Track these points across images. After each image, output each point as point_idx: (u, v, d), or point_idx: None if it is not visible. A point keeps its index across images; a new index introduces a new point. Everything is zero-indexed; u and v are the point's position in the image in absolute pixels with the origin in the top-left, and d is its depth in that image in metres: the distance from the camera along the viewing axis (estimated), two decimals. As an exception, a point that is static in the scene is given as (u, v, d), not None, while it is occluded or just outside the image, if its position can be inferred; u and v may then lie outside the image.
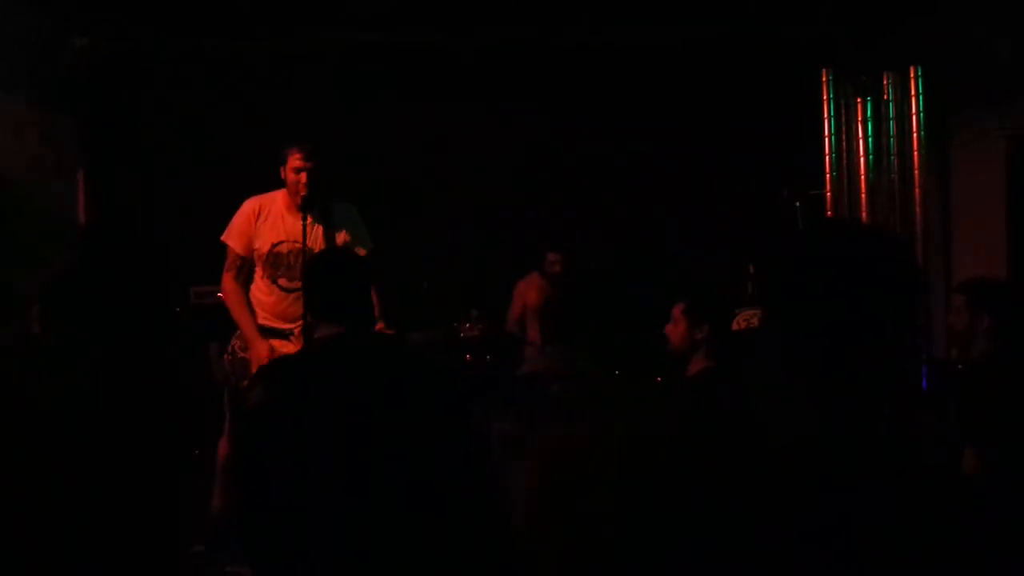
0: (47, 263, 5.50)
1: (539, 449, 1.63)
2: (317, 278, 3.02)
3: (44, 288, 2.66)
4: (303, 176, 4.55)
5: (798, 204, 5.37)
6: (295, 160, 4.57)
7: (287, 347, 4.61)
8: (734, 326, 5.60)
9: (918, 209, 6.14)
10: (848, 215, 6.13)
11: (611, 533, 1.43)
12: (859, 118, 6.26)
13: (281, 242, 4.65)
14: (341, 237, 4.66)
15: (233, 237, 4.69)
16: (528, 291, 6.50)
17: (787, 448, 1.46)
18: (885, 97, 6.22)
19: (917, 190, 6.15)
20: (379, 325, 4.37)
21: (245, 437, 2.82)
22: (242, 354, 4.67)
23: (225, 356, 4.79)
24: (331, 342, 2.79)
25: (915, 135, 6.13)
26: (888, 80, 6.21)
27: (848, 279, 1.49)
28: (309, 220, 4.53)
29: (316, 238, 4.59)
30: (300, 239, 4.54)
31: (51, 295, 2.62)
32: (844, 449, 1.45)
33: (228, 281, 4.71)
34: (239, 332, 4.71)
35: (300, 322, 4.54)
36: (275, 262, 4.66)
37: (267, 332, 4.66)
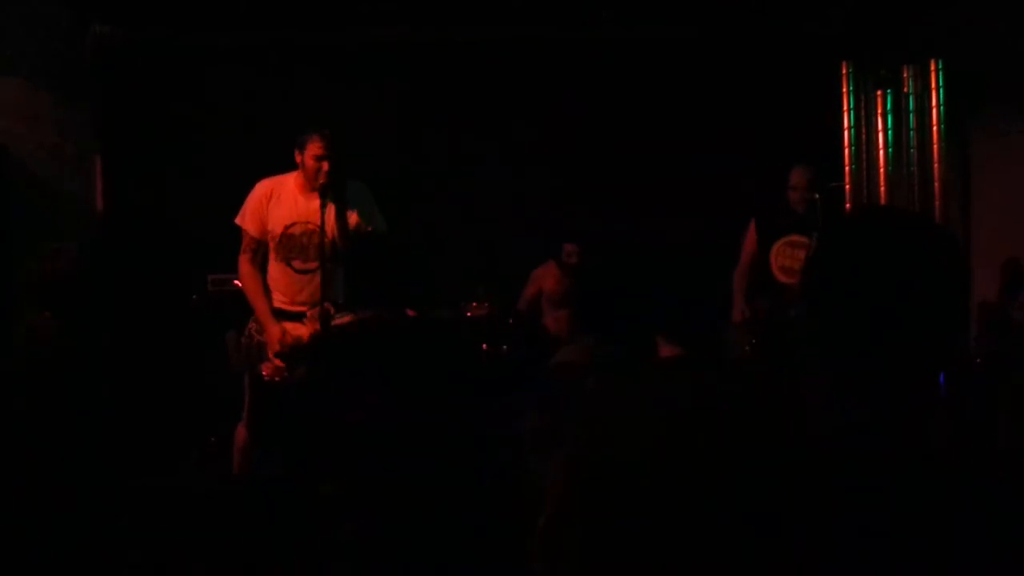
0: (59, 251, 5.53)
1: (573, 442, 1.62)
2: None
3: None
4: (324, 164, 4.51)
5: (817, 196, 5.35)
6: (315, 148, 4.51)
7: (300, 329, 4.58)
8: None
9: (937, 203, 6.10)
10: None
11: (643, 526, 1.43)
12: (879, 111, 6.23)
13: (294, 223, 4.61)
14: (353, 218, 4.60)
15: (247, 219, 4.67)
16: (545, 278, 6.52)
17: (821, 442, 1.45)
18: (905, 90, 6.19)
19: (937, 183, 6.11)
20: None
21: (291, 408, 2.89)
22: (259, 337, 4.64)
23: (242, 339, 4.79)
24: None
25: (935, 128, 6.09)
26: (908, 73, 6.18)
27: (893, 269, 1.46)
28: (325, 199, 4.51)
29: (330, 218, 4.55)
30: (314, 220, 4.52)
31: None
32: (877, 444, 1.44)
33: (244, 264, 4.70)
34: (256, 315, 4.69)
35: (316, 306, 4.54)
36: (288, 244, 4.62)
37: (281, 315, 4.63)
